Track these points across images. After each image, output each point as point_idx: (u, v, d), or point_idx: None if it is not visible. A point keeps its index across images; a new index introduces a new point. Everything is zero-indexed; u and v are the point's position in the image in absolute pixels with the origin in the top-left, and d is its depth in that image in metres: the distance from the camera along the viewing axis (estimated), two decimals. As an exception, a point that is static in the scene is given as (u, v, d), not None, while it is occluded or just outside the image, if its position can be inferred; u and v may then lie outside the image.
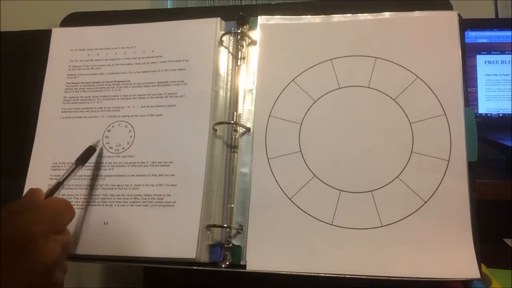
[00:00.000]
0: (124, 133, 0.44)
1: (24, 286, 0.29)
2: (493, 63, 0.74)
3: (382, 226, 0.38)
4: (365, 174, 0.40)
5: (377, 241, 0.38)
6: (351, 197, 0.40)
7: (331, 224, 0.39)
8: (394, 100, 0.42)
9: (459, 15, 0.43)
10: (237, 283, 0.48)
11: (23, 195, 0.35)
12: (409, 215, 0.38)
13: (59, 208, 0.35)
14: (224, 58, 0.46)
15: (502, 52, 0.74)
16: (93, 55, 0.48)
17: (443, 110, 0.41)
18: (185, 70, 0.45)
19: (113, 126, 0.45)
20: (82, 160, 0.41)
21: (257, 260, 0.39)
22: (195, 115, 0.43)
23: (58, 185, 0.38)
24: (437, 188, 0.39)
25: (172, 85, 0.45)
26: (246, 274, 0.38)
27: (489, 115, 0.73)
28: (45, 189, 0.37)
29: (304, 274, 0.38)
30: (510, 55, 0.73)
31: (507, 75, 0.73)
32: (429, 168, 0.39)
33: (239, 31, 0.46)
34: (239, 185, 0.42)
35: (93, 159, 0.43)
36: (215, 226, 0.40)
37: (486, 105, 0.73)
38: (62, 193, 0.43)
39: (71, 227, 0.41)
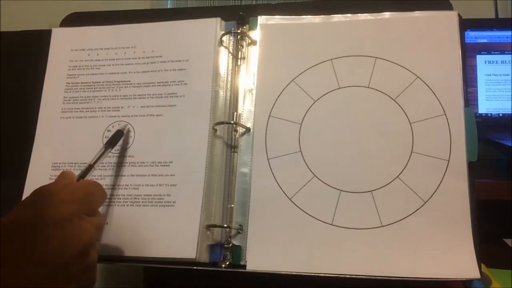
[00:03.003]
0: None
1: (60, 266, 0.29)
2: (493, 63, 0.74)
3: (382, 226, 0.38)
4: (365, 174, 0.40)
5: (377, 241, 0.38)
6: (351, 197, 0.40)
7: (331, 224, 0.39)
8: (394, 100, 0.42)
9: (459, 15, 0.43)
10: (237, 283, 0.48)
11: (56, 178, 0.35)
12: (409, 215, 0.38)
13: (91, 189, 0.35)
14: (224, 58, 0.46)
15: (502, 52, 0.74)
16: (93, 55, 0.48)
17: (443, 110, 0.41)
18: (185, 70, 0.45)
19: (113, 126, 0.45)
20: (111, 143, 0.41)
21: (257, 260, 0.39)
22: (195, 115, 0.43)
23: (89, 167, 0.38)
24: (437, 188, 0.39)
25: (172, 85, 0.45)
26: (246, 274, 0.38)
27: (489, 115, 0.73)
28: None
29: (304, 274, 0.38)
30: (510, 55, 0.74)
31: (507, 75, 0.73)
32: (429, 168, 0.39)
33: (239, 31, 0.46)
34: (239, 185, 0.42)
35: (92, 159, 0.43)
36: (215, 226, 0.40)
37: (486, 105, 0.74)
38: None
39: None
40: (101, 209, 0.41)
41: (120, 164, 0.43)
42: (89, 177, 0.38)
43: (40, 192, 0.32)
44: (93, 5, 0.58)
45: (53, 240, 0.29)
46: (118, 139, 0.43)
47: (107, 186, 0.42)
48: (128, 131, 0.44)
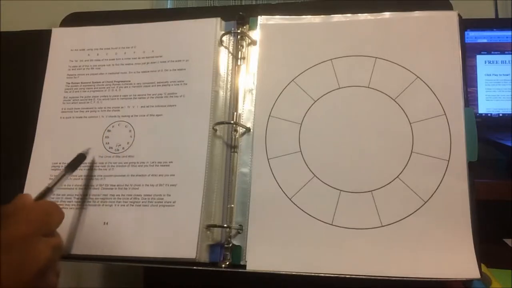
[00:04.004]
0: (124, 133, 0.44)
1: None
2: (493, 63, 0.74)
3: (382, 226, 0.38)
4: (365, 174, 0.40)
5: (377, 241, 0.38)
6: (351, 197, 0.40)
7: (331, 224, 0.39)
8: (394, 100, 0.42)
9: (459, 15, 0.43)
10: (237, 283, 0.48)
11: (13, 199, 0.34)
12: (409, 215, 0.38)
13: (47, 210, 0.34)
14: (224, 58, 0.46)
15: (502, 52, 0.74)
16: (93, 55, 0.48)
17: (443, 110, 0.41)
18: (185, 70, 0.45)
19: (113, 126, 0.45)
20: (71, 167, 0.41)
21: (257, 260, 0.39)
22: (195, 115, 0.43)
23: (47, 190, 0.37)
24: (437, 188, 0.39)
25: (172, 85, 0.45)
26: (246, 274, 0.38)
27: (489, 115, 0.73)
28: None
29: (304, 274, 0.38)
30: (510, 55, 0.73)
31: (507, 75, 0.73)
32: (429, 168, 0.39)
33: (239, 31, 0.46)
34: (239, 185, 0.42)
35: (93, 158, 0.44)
36: (215, 226, 0.40)
37: (486, 105, 0.73)
38: (63, 193, 0.43)
39: (71, 227, 0.41)
40: (100, 209, 0.42)
41: (120, 164, 0.43)
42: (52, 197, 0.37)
43: None
44: (93, 5, 0.58)
45: (8, 263, 0.28)
46: (79, 163, 0.42)
47: (107, 186, 0.42)
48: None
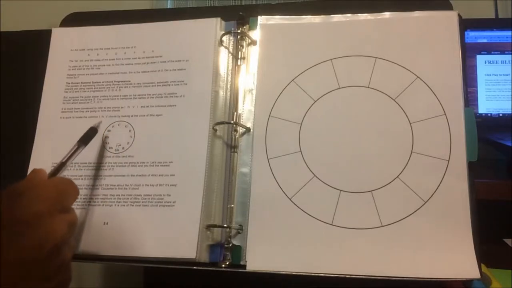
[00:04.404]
0: (124, 133, 0.44)
1: (33, 265, 0.28)
2: (493, 63, 0.74)
3: (382, 226, 0.38)
4: (365, 174, 0.40)
5: (377, 241, 0.38)
6: (351, 197, 0.40)
7: (331, 224, 0.39)
8: (394, 100, 0.42)
9: (459, 15, 0.43)
10: (237, 283, 0.48)
11: (27, 175, 0.34)
12: (409, 215, 0.38)
13: (62, 186, 0.34)
14: (224, 58, 0.46)
15: (502, 52, 0.74)
16: (93, 55, 0.48)
17: (443, 110, 0.41)
18: (185, 70, 0.45)
19: (113, 126, 0.45)
20: (84, 141, 0.41)
21: (257, 260, 0.39)
22: (195, 115, 0.43)
23: (61, 165, 0.37)
24: (437, 188, 0.39)
25: (172, 85, 0.45)
26: (246, 274, 0.38)
27: (489, 115, 0.73)
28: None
29: (304, 274, 0.38)
30: (510, 55, 0.73)
31: (507, 75, 0.73)
32: (429, 168, 0.39)
33: (239, 31, 0.46)
34: (239, 185, 0.42)
35: (93, 158, 0.44)
36: (215, 226, 0.40)
37: (486, 105, 0.74)
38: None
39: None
40: (100, 209, 0.42)
41: (120, 164, 0.43)
42: (61, 174, 0.37)
43: (11, 191, 0.31)
44: (93, 5, 0.58)
45: (25, 239, 0.28)
46: (91, 137, 0.42)
47: (107, 186, 0.42)
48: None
